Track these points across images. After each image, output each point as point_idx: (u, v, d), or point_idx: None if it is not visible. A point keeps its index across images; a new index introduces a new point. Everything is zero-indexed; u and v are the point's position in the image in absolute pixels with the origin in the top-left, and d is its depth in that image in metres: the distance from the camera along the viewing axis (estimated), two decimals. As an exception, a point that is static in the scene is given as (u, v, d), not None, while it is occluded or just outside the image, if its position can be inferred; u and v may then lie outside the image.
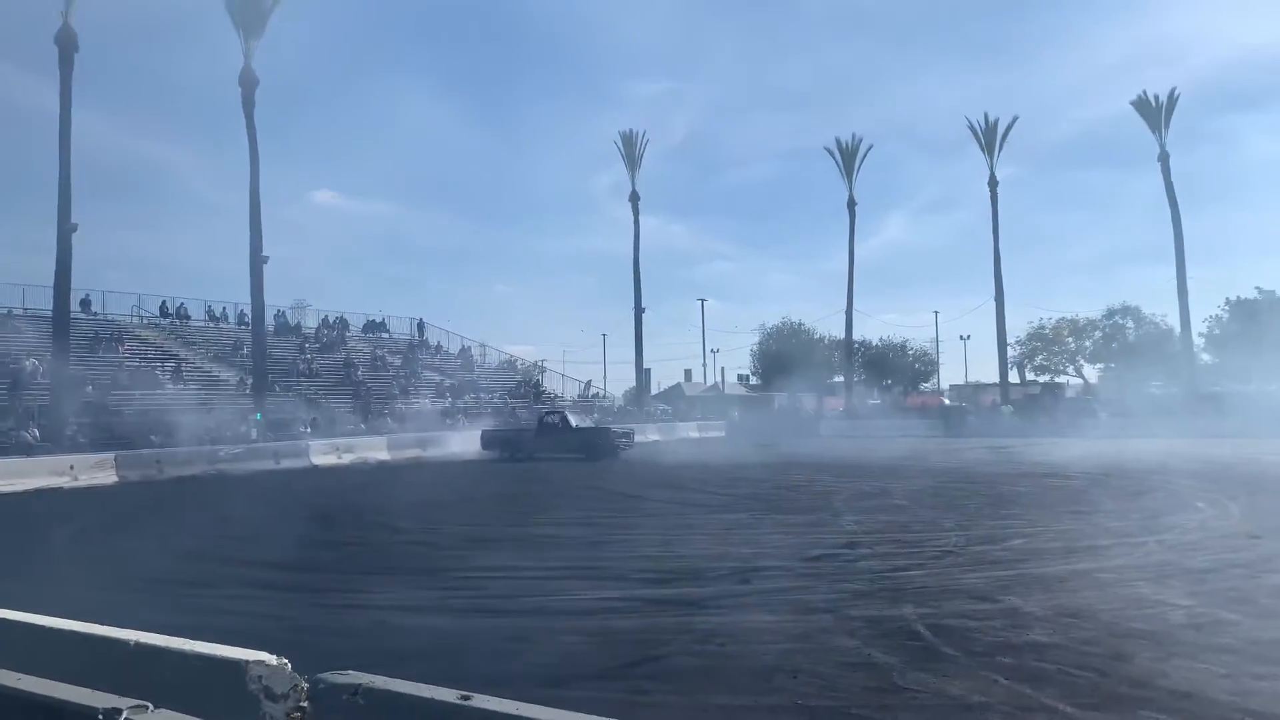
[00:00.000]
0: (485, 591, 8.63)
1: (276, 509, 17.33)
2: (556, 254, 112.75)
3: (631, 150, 57.82)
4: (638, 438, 41.82)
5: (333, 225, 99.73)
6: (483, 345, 54.76)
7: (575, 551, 11.02)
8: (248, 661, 2.04)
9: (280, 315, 47.45)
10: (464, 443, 35.77)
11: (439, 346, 53.17)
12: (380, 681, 1.96)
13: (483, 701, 1.90)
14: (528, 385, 51.42)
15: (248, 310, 41.09)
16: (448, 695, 1.92)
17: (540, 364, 57.09)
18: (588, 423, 31.81)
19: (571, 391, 53.07)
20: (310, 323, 49.78)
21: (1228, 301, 51.87)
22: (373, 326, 51.91)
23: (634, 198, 57.71)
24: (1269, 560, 9.13)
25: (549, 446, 29.80)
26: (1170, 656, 5.76)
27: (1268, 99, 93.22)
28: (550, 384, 53.49)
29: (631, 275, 57.47)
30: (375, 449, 32.03)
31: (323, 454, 29.87)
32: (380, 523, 14.18)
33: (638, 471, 23.59)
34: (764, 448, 33.18)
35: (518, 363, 55.70)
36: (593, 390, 55.37)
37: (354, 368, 44.58)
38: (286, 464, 28.22)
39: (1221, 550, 9.77)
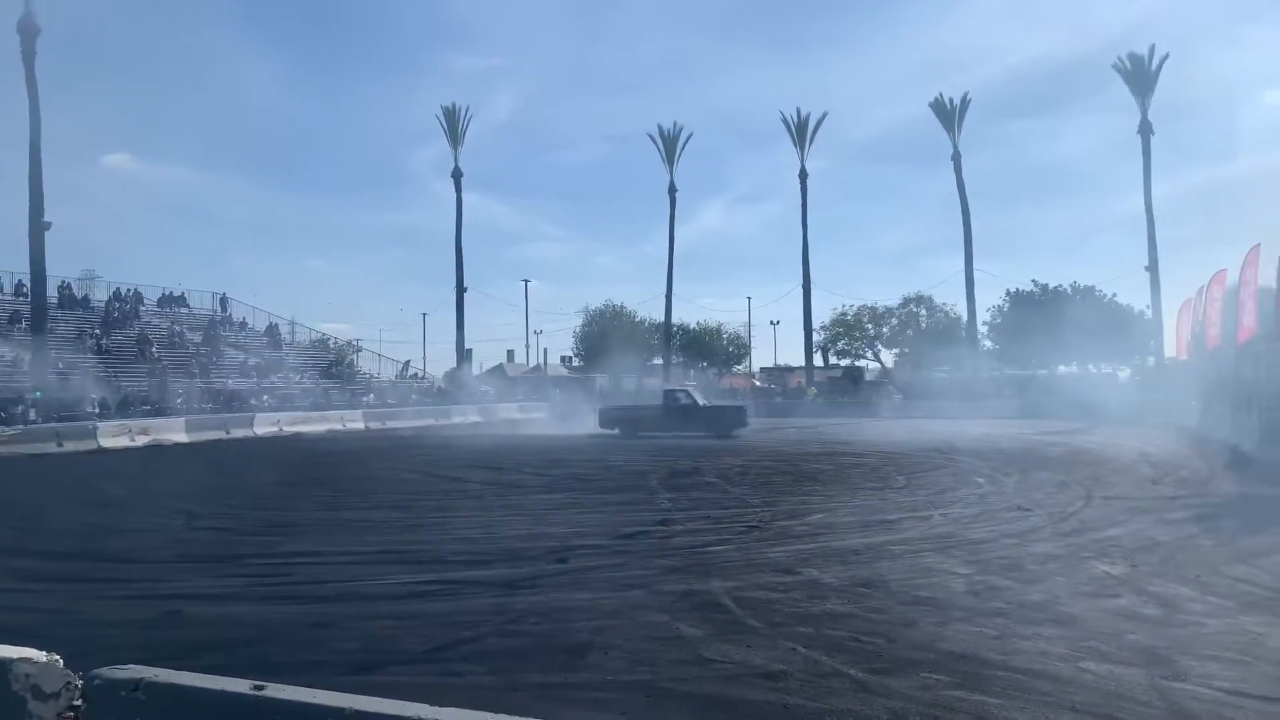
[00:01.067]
0: (290, 578, 8.29)
1: (56, 495, 15.95)
2: (374, 229, 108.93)
3: (454, 125, 56.72)
4: (456, 419, 41.39)
5: (127, 190, 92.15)
6: (292, 322, 52.32)
7: (389, 535, 10.75)
8: (12, 659, 1.90)
9: (65, 287, 43.75)
10: (271, 424, 34.18)
11: (244, 323, 50.39)
12: (164, 675, 1.87)
13: (277, 691, 1.85)
14: (341, 365, 49.58)
15: (27, 280, 37.69)
16: (239, 686, 1.85)
17: (355, 343, 55.24)
18: (706, 401, 32.46)
19: (389, 372, 51.66)
20: (100, 295, 46.08)
21: (1008, 293, 56.31)
22: (170, 300, 48.60)
23: (456, 174, 56.73)
24: (1036, 530, 10.08)
25: (674, 424, 29.71)
26: (950, 621, 6.26)
27: (1045, 108, 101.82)
28: (366, 364, 51.89)
29: (454, 253, 56.57)
30: (173, 430, 30.06)
31: (113, 436, 27.73)
32: (176, 508, 13.32)
33: (456, 454, 23.25)
34: (584, 428, 33.44)
35: (330, 341, 53.55)
36: (411, 370, 54.14)
37: (149, 344, 41.58)
38: (70, 447, 26.00)
39: (997, 522, 10.69)
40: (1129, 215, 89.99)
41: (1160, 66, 47.64)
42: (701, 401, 31.46)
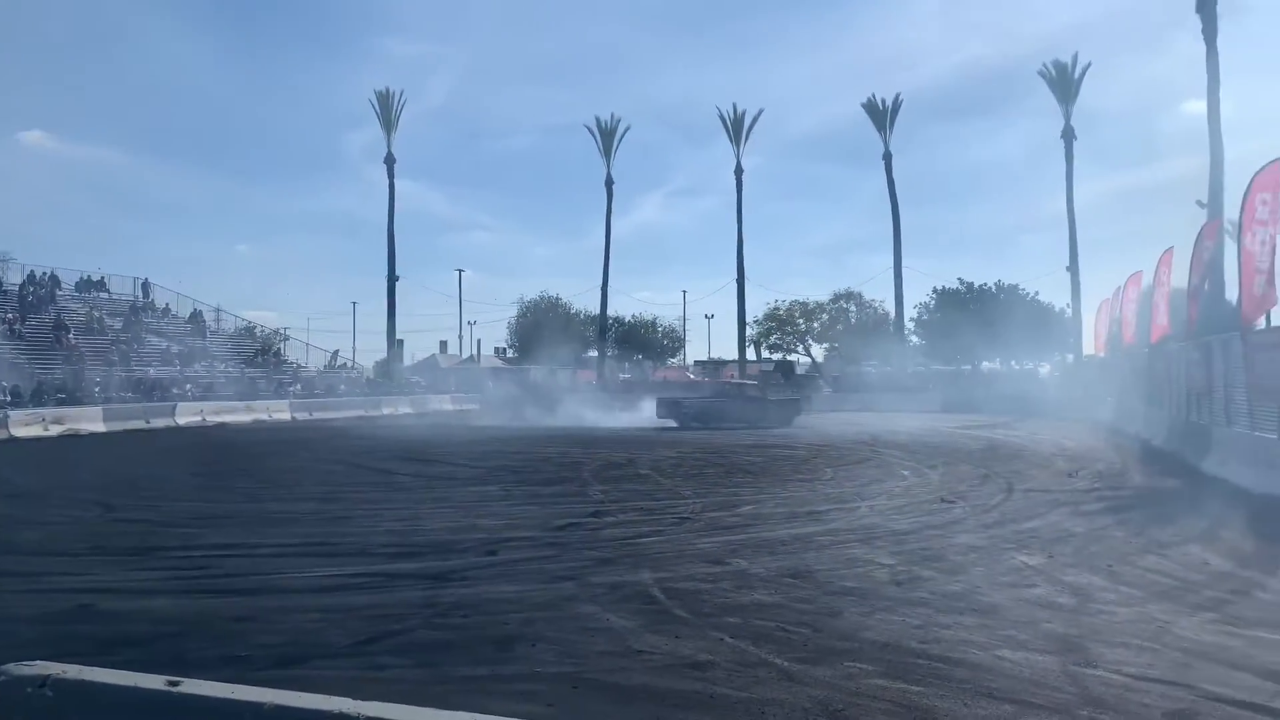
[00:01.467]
0: (211, 571, 8.08)
1: (-37, 486, 15.31)
2: (304, 215, 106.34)
3: (388, 110, 55.88)
4: (386, 410, 40.87)
5: (44, 170, 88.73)
6: (217, 309, 50.89)
7: (315, 527, 10.55)
8: (-91, 657, 1.82)
9: (-23, 269, 41.92)
10: (193, 414, 33.29)
11: (167, 309, 48.87)
12: (73, 671, 1.81)
13: (193, 686, 1.81)
14: (268, 353, 48.45)
15: (-65, 261, 36.12)
16: (153, 682, 1.80)
17: (282, 331, 54.02)
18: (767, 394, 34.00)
19: (317, 361, 50.66)
20: (14, 278, 44.18)
21: (935, 290, 57.47)
22: (89, 285, 46.83)
23: (389, 160, 55.92)
24: (958, 522, 10.34)
25: (737, 416, 30.33)
26: (874, 611, 6.39)
27: (974, 111, 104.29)
28: (294, 353, 50.81)
29: (385, 241, 55.76)
30: (89, 420, 29.11)
31: (25, 425, 26.74)
32: (92, 499, 12.91)
33: (385, 446, 22.94)
34: (518, 420, 33.33)
35: (257, 329, 52.25)
36: (340, 360, 53.19)
37: (66, 330, 40.06)
38: (-21, 436, 25.01)
39: (920, 514, 10.94)
40: (1052, 217, 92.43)
41: (1083, 74, 49.13)
42: (772, 396, 32.59)
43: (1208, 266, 18.09)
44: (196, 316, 48.88)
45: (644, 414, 34.95)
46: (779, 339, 62.37)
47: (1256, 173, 14.76)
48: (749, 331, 60.43)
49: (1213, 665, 5.11)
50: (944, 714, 4.37)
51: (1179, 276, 21.33)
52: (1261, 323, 14.73)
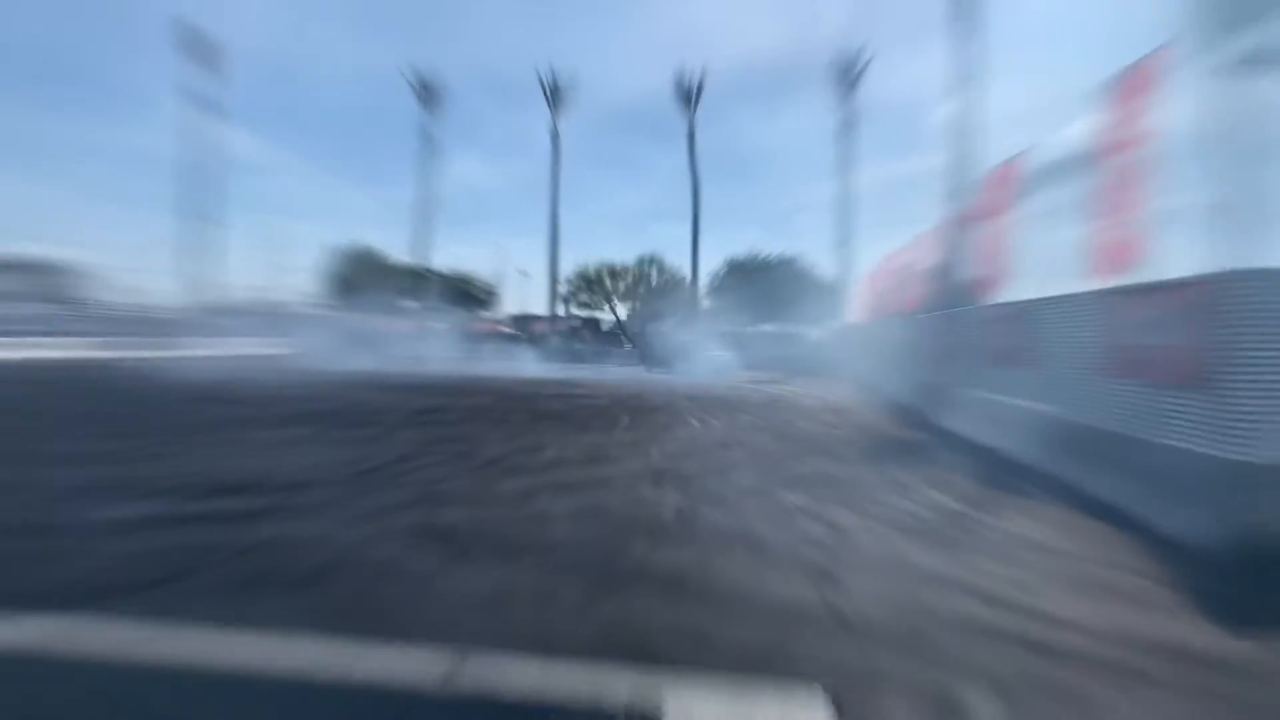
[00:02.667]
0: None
1: None
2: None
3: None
4: (186, 351, 38.37)
5: None
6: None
7: (97, 468, 10.03)
8: None
9: None
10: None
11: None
12: None
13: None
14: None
15: None
16: None
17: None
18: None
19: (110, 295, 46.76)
20: None
21: (727, 260, 61.87)
22: None
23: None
24: (735, 465, 11.40)
25: None
26: (659, 546, 7.16)
27: (767, 95, 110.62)
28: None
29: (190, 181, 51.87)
30: None
31: None
32: None
33: (181, 390, 21.83)
34: (330, 365, 32.45)
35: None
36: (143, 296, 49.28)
37: None
38: None
39: (705, 458, 11.93)
40: (833, 196, 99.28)
41: (865, 66, 53.18)
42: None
43: (955, 248, 20.48)
44: None
45: (451, 364, 34.89)
46: (587, 297, 64.05)
47: (994, 168, 16.82)
48: (561, 289, 61.85)
49: (942, 589, 6.17)
50: (718, 638, 5.15)
51: (932, 256, 23.94)
52: (995, 299, 16.95)
